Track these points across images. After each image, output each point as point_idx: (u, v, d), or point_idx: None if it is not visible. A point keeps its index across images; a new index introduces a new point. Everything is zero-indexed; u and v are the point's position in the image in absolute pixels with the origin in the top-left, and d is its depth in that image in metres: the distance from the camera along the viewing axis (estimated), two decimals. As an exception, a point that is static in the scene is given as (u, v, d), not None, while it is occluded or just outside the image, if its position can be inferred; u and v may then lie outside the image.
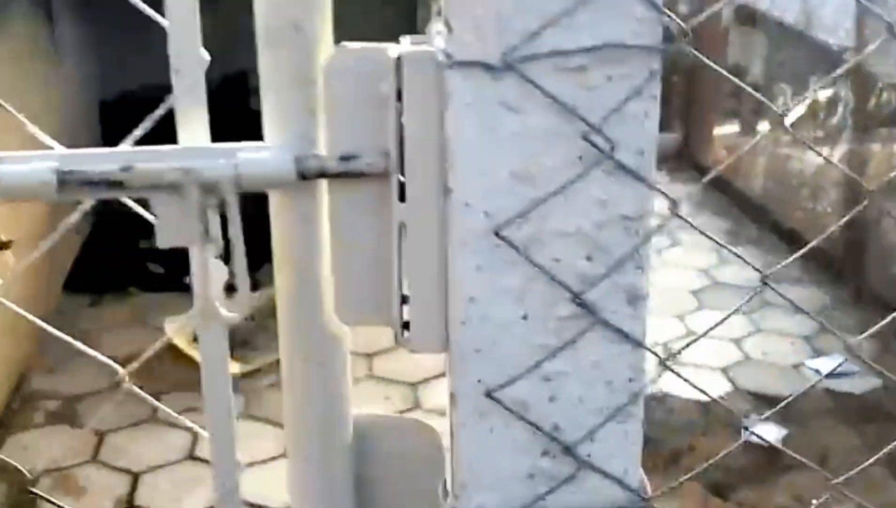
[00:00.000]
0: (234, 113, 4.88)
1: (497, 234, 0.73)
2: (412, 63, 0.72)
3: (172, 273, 4.27)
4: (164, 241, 0.80)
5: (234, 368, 3.44)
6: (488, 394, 0.77)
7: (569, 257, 0.75)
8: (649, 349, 0.79)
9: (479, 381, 0.77)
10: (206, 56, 0.79)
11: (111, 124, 4.92)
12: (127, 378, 0.92)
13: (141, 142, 0.80)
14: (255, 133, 0.83)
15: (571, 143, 0.72)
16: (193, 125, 0.80)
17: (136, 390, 0.93)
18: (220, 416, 0.89)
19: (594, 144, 0.72)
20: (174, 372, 3.48)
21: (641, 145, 0.73)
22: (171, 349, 3.57)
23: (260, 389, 3.41)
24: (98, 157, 0.75)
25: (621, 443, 0.81)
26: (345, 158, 0.76)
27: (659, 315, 3.94)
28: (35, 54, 3.99)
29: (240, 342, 3.67)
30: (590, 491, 0.81)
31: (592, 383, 0.79)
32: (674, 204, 0.80)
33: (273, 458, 3.07)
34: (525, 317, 0.76)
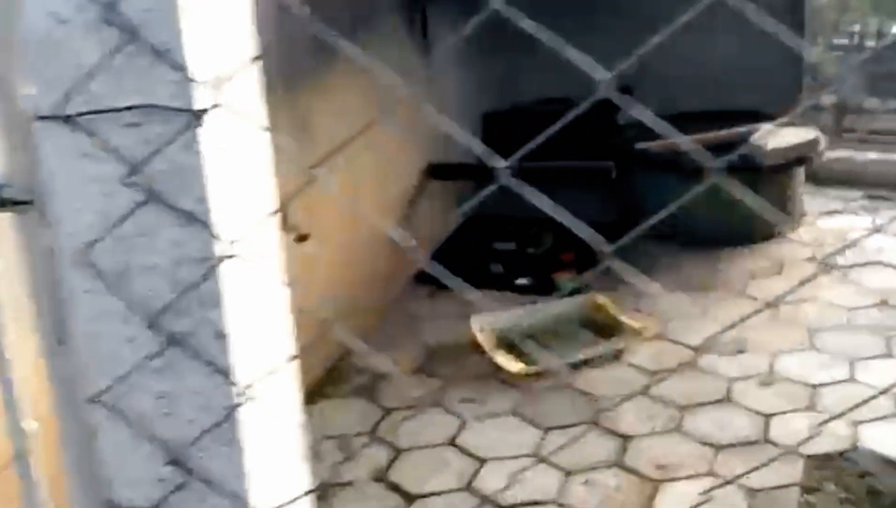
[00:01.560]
0: (603, 126, 5.05)
1: (84, 263, 0.84)
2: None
3: (509, 275, 4.50)
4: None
5: (515, 367, 3.60)
6: (92, 399, 0.88)
7: (157, 290, 0.84)
8: (233, 382, 0.86)
9: (102, 389, 0.89)
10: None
11: (495, 136, 5.27)
12: None
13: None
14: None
15: (135, 188, 0.82)
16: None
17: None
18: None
19: (145, 189, 0.81)
20: (469, 363, 3.72)
21: (200, 194, 0.81)
22: (474, 341, 3.81)
23: (535, 391, 3.53)
24: None
25: (227, 462, 0.88)
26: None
27: None
28: (408, 71, 4.39)
29: (535, 343, 3.81)
30: (203, 499, 0.89)
31: (199, 407, 0.87)
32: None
33: (515, 457, 3.20)
34: (131, 339, 0.86)
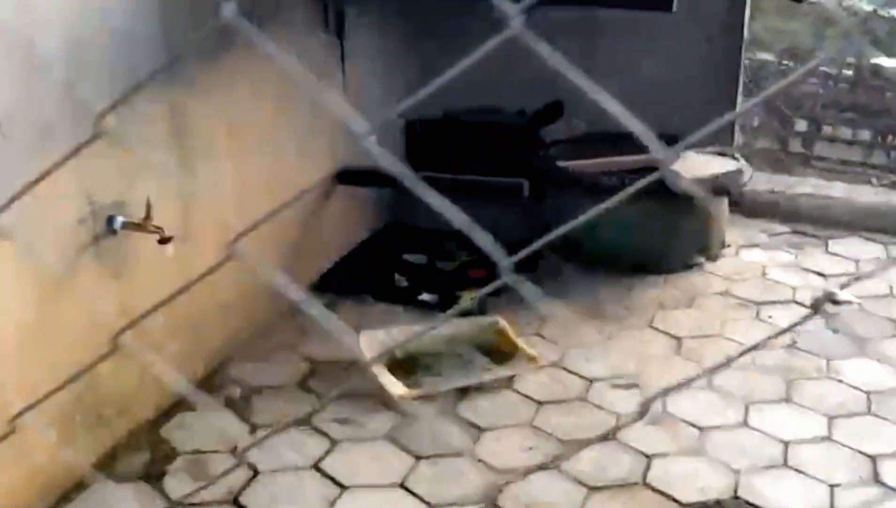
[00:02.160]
0: (528, 141, 4.90)
1: None
2: None
3: (413, 288, 4.33)
4: None
5: (397, 388, 3.42)
6: None
7: None
8: None
9: None
10: None
11: (419, 144, 5.10)
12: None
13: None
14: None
15: None
16: None
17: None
18: None
19: None
20: (353, 381, 3.54)
21: None
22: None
23: (416, 415, 3.36)
24: None
25: None
26: None
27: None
28: (319, 72, 4.22)
29: (423, 366, 3.64)
30: None
31: None
32: None
33: (378, 486, 3.03)
34: None
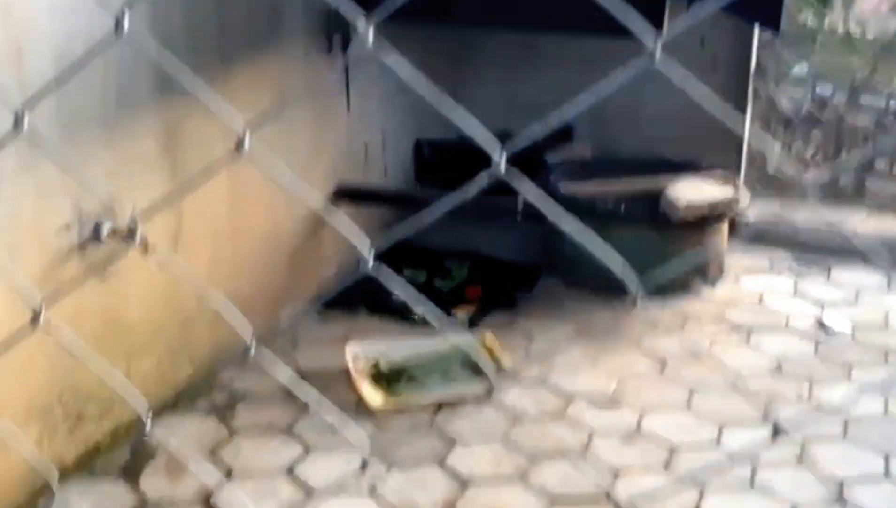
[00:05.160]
0: (531, 165, 4.97)
1: None
2: None
3: (409, 305, 4.39)
4: None
5: (375, 399, 3.50)
6: None
7: None
8: None
9: None
10: None
11: (427, 165, 5.25)
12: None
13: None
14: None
15: None
16: None
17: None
18: None
19: None
20: (335, 391, 3.61)
21: None
22: (346, 369, 3.71)
23: (393, 426, 3.42)
24: None
25: None
26: None
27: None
28: (323, 93, 4.35)
29: (407, 378, 3.72)
30: None
31: None
32: None
33: (347, 492, 3.10)
34: None
